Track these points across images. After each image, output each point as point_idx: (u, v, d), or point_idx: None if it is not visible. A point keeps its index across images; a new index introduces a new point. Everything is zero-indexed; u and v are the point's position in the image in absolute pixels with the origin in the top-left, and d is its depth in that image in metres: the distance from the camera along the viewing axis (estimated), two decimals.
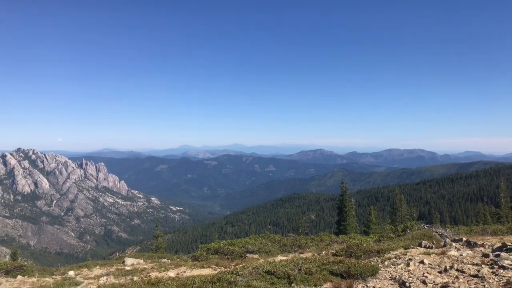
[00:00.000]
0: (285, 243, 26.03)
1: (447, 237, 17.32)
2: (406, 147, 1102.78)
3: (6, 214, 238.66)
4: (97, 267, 20.92)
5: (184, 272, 16.21)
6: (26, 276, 17.75)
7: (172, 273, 15.64)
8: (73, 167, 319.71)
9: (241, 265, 13.36)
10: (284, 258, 15.74)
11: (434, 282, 9.44)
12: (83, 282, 14.53)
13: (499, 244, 13.15)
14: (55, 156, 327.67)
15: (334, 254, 14.47)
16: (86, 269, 20.50)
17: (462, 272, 10.09)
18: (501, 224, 35.36)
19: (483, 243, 13.91)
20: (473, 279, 9.44)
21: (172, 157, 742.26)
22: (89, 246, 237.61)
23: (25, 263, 24.37)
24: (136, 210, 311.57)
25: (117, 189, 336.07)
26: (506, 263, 10.31)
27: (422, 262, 11.51)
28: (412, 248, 14.55)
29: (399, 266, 11.34)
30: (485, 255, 11.74)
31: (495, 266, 10.29)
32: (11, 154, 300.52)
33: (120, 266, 20.25)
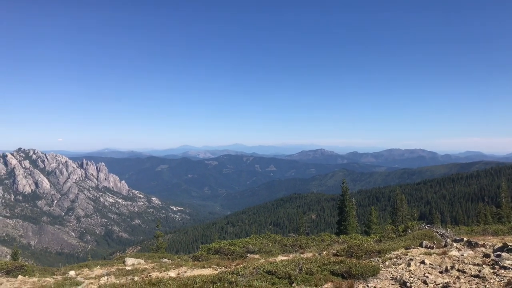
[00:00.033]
0: (285, 243, 26.03)
1: (448, 237, 17.31)
2: (406, 147, 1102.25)
3: (7, 214, 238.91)
4: (98, 267, 20.94)
5: (185, 272, 16.21)
6: (27, 276, 17.77)
7: (172, 273, 15.64)
8: (73, 167, 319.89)
9: (242, 265, 13.35)
10: (285, 258, 15.73)
11: (435, 282, 9.43)
12: (84, 282, 14.54)
13: (500, 244, 13.13)
14: (56, 156, 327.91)
15: (335, 254, 14.46)
16: (87, 269, 20.52)
17: (463, 272, 10.08)
18: (502, 224, 35.34)
19: (484, 243, 13.89)
20: (474, 280, 9.43)
21: (173, 157, 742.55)
22: (89, 246, 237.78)
23: (26, 263, 24.40)
24: (136, 210, 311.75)
25: (117, 189, 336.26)
26: (507, 263, 10.29)
27: (423, 262, 11.50)
28: (413, 248, 14.54)
29: (400, 266, 11.33)
30: (486, 255, 11.72)
31: (496, 267, 10.28)
32: (12, 154, 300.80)
33: (121, 266, 20.26)
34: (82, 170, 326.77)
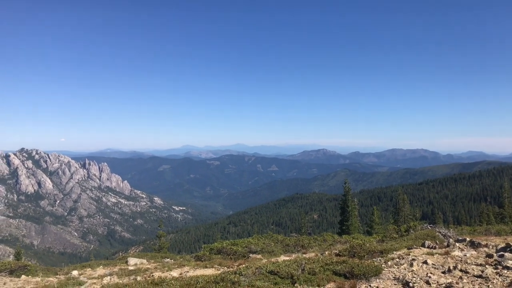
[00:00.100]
0: (288, 243, 26.02)
1: (450, 237, 17.28)
2: (408, 147, 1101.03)
3: (10, 214, 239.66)
4: (101, 267, 21.01)
5: (188, 272, 16.23)
6: (30, 276, 17.85)
7: (175, 273, 15.67)
8: (76, 167, 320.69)
9: (244, 265, 13.37)
10: (287, 258, 15.74)
11: (437, 282, 9.42)
12: (86, 282, 14.59)
13: (503, 245, 13.10)
14: (58, 156, 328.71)
15: (337, 254, 14.46)
16: (90, 269, 20.59)
17: (466, 272, 10.07)
18: (504, 224, 35.26)
19: (486, 244, 13.86)
20: (477, 280, 9.41)
21: (175, 157, 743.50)
22: (92, 246, 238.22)
23: (29, 262, 24.49)
24: (139, 210, 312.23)
25: (120, 189, 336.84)
26: (510, 263, 10.26)
27: (425, 262, 11.48)
28: (415, 248, 14.52)
29: (402, 266, 11.32)
30: (489, 256, 11.70)
31: (499, 267, 10.26)
32: (15, 154, 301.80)
33: (124, 266, 20.31)
34: (84, 170, 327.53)
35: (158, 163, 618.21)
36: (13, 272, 18.81)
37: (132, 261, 21.45)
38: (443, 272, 10.33)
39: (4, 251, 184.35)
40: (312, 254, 16.76)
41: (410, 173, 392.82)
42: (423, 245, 14.73)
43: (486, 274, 9.60)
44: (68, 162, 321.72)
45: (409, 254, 13.13)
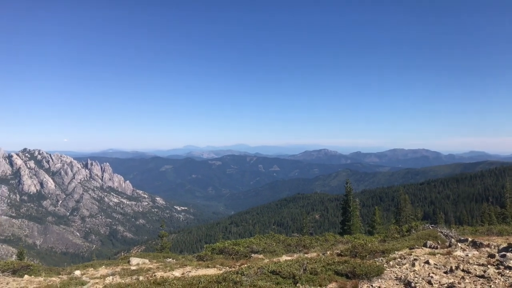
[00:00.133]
0: (289, 243, 26.03)
1: (452, 237, 17.27)
2: (410, 147, 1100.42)
3: (13, 214, 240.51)
4: (103, 266, 21.06)
5: (190, 271, 16.27)
6: (33, 276, 17.92)
7: (177, 273, 15.71)
8: (78, 167, 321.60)
9: (246, 265, 13.40)
10: (289, 258, 15.76)
11: (439, 282, 9.43)
12: (89, 281, 14.63)
13: (505, 245, 13.09)
14: (61, 156, 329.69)
15: (339, 254, 14.48)
16: (92, 268, 20.65)
17: (468, 272, 10.07)
18: (506, 224, 35.18)
19: (488, 244, 13.85)
20: (479, 280, 9.42)
21: (177, 157, 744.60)
22: (94, 245, 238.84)
23: (32, 262, 24.58)
24: (141, 210, 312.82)
25: (122, 189, 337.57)
26: None
27: (427, 262, 11.49)
28: (417, 248, 14.52)
29: (404, 266, 11.33)
30: (491, 256, 11.69)
31: (501, 267, 10.26)
32: (17, 154, 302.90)
33: (126, 266, 20.37)
34: (86, 170, 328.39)
35: (160, 163, 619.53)
36: (16, 272, 18.89)
37: (134, 261, 21.51)
38: (445, 272, 10.33)
39: (7, 251, 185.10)
40: (314, 254, 16.78)
41: (411, 173, 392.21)
42: (425, 245, 14.73)
43: (488, 274, 9.60)
44: (70, 162, 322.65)
45: (411, 254, 13.14)
